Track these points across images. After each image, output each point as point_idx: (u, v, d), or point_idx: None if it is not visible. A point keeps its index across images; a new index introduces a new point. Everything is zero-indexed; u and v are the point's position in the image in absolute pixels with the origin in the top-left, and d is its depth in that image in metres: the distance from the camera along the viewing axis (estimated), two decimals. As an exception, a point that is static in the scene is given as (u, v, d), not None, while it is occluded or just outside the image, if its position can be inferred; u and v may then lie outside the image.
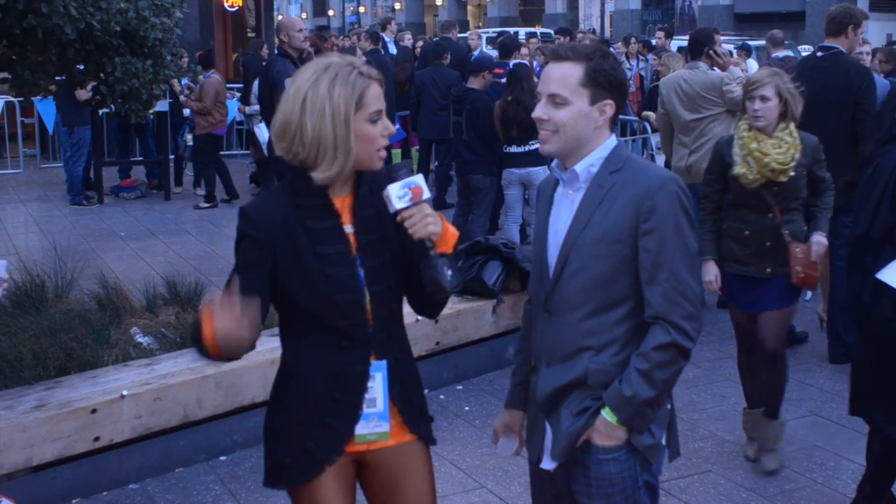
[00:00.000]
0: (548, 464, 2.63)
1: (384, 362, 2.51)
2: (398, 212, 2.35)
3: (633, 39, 15.03)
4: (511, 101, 7.45)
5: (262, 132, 10.71)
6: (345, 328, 2.45)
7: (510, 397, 2.81)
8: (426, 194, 2.35)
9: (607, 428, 2.48)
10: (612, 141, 2.54)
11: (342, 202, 2.47)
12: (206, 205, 10.99)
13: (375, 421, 2.51)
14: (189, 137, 11.32)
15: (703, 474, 4.51)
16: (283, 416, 2.53)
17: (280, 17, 16.34)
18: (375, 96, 2.39)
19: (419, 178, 2.37)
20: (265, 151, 10.74)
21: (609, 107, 2.49)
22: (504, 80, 8.00)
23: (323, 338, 2.46)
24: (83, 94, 9.83)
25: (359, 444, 2.52)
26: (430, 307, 2.62)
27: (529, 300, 2.76)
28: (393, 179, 2.36)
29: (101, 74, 5.60)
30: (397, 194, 2.34)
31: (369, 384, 2.49)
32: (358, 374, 2.48)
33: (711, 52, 6.59)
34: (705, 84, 6.59)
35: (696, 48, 6.85)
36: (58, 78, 5.79)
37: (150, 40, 5.57)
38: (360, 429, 2.50)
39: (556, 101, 2.47)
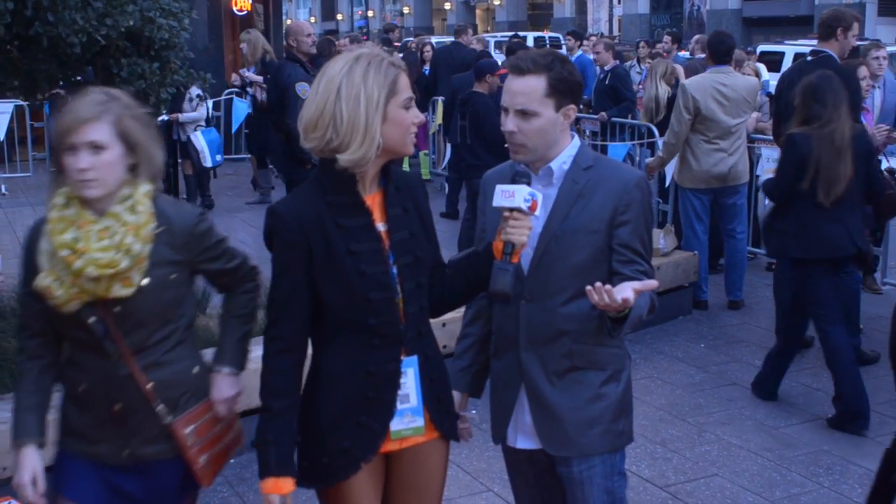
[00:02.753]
0: (525, 443, 2.75)
1: (415, 357, 2.52)
2: (512, 209, 2.43)
3: (642, 44, 15.02)
4: None
5: (198, 140, 10.43)
6: (377, 326, 2.45)
7: (455, 382, 2.87)
8: (538, 211, 2.47)
9: None
10: (576, 140, 2.68)
11: (372, 200, 2.48)
12: None
13: (409, 416, 2.53)
14: None
15: (709, 478, 4.51)
16: (317, 416, 2.52)
17: (289, 22, 16.34)
18: (406, 84, 2.45)
19: (540, 196, 2.48)
20: (204, 161, 10.42)
21: (572, 110, 2.63)
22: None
23: (354, 337, 2.47)
24: None
25: (394, 440, 2.53)
26: (440, 308, 2.66)
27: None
28: (515, 180, 2.47)
29: (109, 76, 5.57)
30: (524, 196, 2.42)
31: (401, 380, 2.50)
32: (390, 372, 2.49)
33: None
34: (749, 88, 6.91)
35: (725, 53, 6.94)
36: (79, 77, 5.76)
37: (157, 42, 5.51)
38: (395, 425, 2.51)
39: (526, 114, 2.56)
